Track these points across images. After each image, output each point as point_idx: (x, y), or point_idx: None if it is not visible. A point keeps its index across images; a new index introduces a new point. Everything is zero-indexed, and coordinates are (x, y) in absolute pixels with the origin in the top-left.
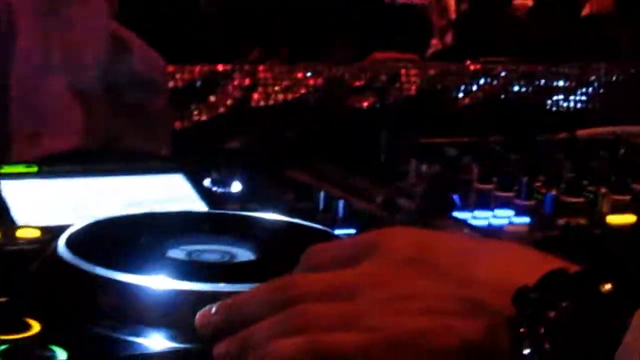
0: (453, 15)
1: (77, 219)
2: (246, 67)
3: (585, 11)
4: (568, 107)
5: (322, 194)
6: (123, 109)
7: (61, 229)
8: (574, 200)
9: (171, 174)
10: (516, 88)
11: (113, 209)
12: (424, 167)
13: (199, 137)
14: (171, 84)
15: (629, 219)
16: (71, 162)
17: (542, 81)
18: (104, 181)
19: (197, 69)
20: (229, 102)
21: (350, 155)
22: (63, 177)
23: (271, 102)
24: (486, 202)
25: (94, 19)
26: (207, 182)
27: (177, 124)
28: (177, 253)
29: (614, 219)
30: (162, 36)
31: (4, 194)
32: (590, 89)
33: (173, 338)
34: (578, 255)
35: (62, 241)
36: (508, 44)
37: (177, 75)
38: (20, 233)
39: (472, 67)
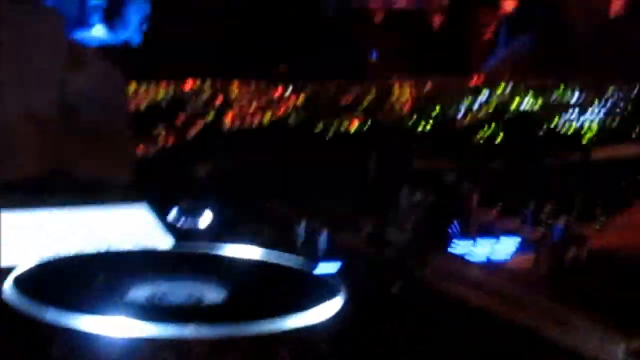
0: None
1: (26, 258)
2: (217, 83)
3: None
4: (582, 125)
5: (302, 226)
6: (80, 131)
7: (7, 270)
8: (586, 229)
9: (133, 204)
10: (524, 104)
11: (67, 245)
12: (417, 195)
13: (164, 164)
14: (133, 103)
15: None
16: (20, 191)
17: (554, 96)
18: (58, 214)
19: (163, 86)
20: (198, 124)
21: (335, 183)
22: (9, 210)
23: (246, 123)
24: (487, 233)
25: (50, 34)
26: (173, 214)
27: (140, 149)
28: (137, 295)
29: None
30: (125, 52)
31: None
32: (608, 103)
33: None
34: (590, 290)
35: (8, 283)
36: None
37: (140, 94)
38: None
39: (474, 82)
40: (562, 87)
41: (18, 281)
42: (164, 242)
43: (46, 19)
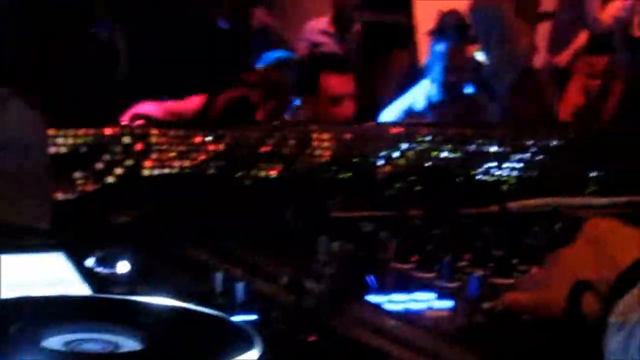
0: None
1: None
2: (137, 130)
3: None
4: (500, 175)
5: (219, 275)
6: None
7: None
8: (503, 281)
9: (50, 252)
10: (443, 154)
11: None
12: (335, 245)
13: (83, 210)
14: (52, 149)
15: None
16: None
17: (472, 146)
18: None
19: (82, 132)
20: (118, 170)
21: (254, 231)
22: None
23: (166, 170)
24: (405, 284)
25: None
26: (91, 262)
27: (59, 194)
28: (53, 343)
29: None
30: (44, 94)
31: None
32: (526, 155)
33: None
34: (505, 343)
35: None
36: None
37: (59, 139)
38: None
39: (393, 131)
40: (481, 137)
41: None
42: (82, 289)
43: None
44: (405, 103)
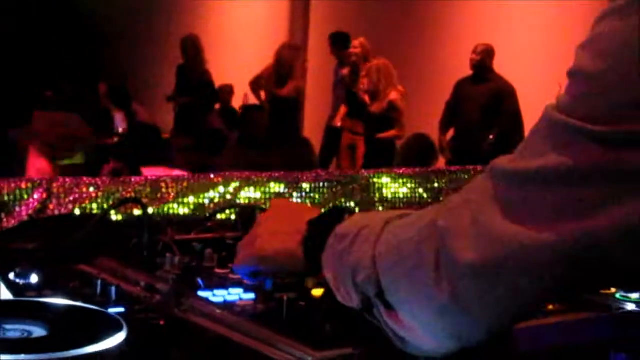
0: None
1: None
2: (44, 183)
3: None
4: None
5: (99, 282)
6: None
7: None
8: (287, 280)
9: None
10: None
11: None
12: (176, 259)
13: (4, 241)
14: None
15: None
16: None
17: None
18: None
19: (4, 185)
20: (29, 211)
21: (122, 251)
22: None
23: (63, 211)
24: (223, 283)
25: None
26: (12, 276)
27: None
28: None
29: (316, 292)
30: None
31: None
32: None
33: None
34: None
35: None
36: None
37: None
38: None
39: (215, 180)
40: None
41: None
42: (6, 295)
43: None
44: None
